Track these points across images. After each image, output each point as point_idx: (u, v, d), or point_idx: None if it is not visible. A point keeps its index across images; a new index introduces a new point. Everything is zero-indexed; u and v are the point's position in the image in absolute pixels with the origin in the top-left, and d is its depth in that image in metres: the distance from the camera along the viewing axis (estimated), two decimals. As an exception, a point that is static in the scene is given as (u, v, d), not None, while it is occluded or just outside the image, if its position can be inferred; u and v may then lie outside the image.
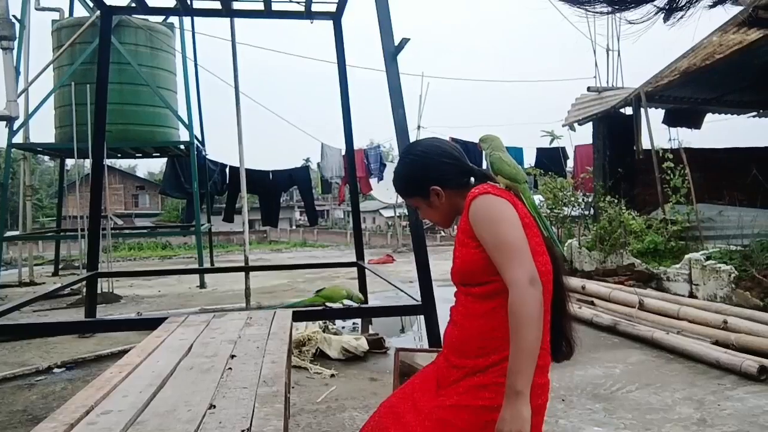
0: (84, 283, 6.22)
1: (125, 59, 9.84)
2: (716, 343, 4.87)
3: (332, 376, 4.51)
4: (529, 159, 14.50)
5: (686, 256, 6.91)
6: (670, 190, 8.52)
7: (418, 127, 17.67)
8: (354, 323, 6.47)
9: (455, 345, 1.74)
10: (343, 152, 12.59)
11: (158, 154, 12.58)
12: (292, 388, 3.92)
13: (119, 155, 12.46)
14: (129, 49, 10.18)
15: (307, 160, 38.96)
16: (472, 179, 1.87)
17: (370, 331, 5.89)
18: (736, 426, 3.33)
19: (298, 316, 3.90)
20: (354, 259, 6.73)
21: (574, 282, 7.46)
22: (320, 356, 5.01)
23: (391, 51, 4.32)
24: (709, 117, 12.33)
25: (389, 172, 15.75)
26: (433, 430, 1.64)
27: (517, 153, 14.60)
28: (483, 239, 1.64)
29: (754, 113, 12.67)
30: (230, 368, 2.03)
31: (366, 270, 6.48)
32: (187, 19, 12.07)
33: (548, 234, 1.77)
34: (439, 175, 1.85)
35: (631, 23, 2.28)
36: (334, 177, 15.52)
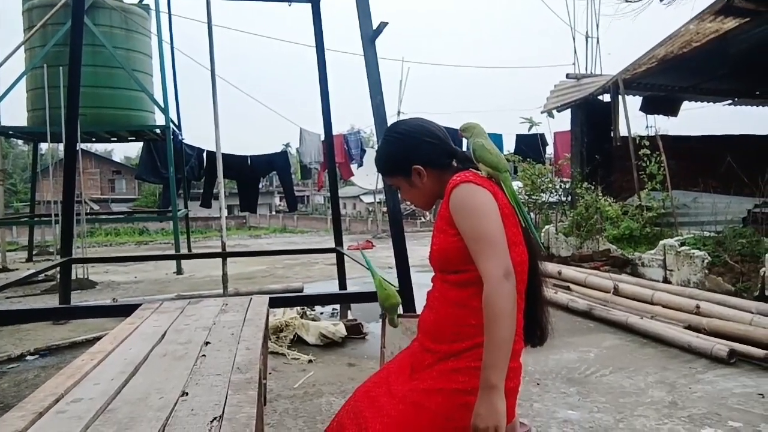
0: (58, 269, 6.13)
1: (99, 41, 9.63)
2: (689, 327, 4.96)
3: (310, 361, 4.51)
4: (509, 145, 14.55)
5: (661, 242, 7.01)
6: (646, 177, 8.63)
7: (398, 112, 17.63)
8: (333, 309, 6.46)
9: (430, 330, 1.75)
10: (323, 137, 12.54)
11: (134, 139, 12.39)
12: (269, 374, 3.91)
13: (94, 139, 12.25)
14: (103, 31, 9.96)
15: (287, 145, 38.70)
16: (455, 162, 1.86)
17: (349, 317, 5.89)
18: (706, 408, 3.40)
19: (275, 303, 3.88)
20: (333, 245, 6.71)
21: (551, 267, 7.53)
22: (298, 342, 5.00)
23: (369, 35, 4.28)
24: (686, 105, 12.48)
25: (369, 158, 15.73)
26: (407, 413, 1.65)
27: (496, 139, 14.64)
28: (462, 229, 1.64)
29: (730, 101, 12.85)
30: (204, 355, 2.02)
31: (345, 256, 6.47)
32: (163, 1, 11.85)
33: (526, 224, 1.76)
34: (422, 154, 1.83)
35: (628, 2, 2.28)
36: (314, 162, 15.44)
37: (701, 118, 13.82)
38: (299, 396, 3.72)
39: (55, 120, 9.19)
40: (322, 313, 6.26)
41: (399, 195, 1.98)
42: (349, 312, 6.17)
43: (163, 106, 10.75)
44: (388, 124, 4.46)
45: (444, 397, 1.63)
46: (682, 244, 6.71)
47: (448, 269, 1.73)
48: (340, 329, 5.20)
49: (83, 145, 10.39)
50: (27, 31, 10.36)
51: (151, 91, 11.02)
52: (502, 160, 1.80)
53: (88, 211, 11.89)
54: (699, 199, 8.84)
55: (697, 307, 5.27)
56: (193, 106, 17.64)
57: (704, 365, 4.20)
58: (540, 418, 3.28)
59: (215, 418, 1.43)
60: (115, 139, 12.21)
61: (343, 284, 6.63)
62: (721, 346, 4.28)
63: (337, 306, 6.40)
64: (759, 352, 4.17)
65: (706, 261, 6.22)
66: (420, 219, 27.89)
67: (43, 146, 12.87)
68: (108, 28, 10.22)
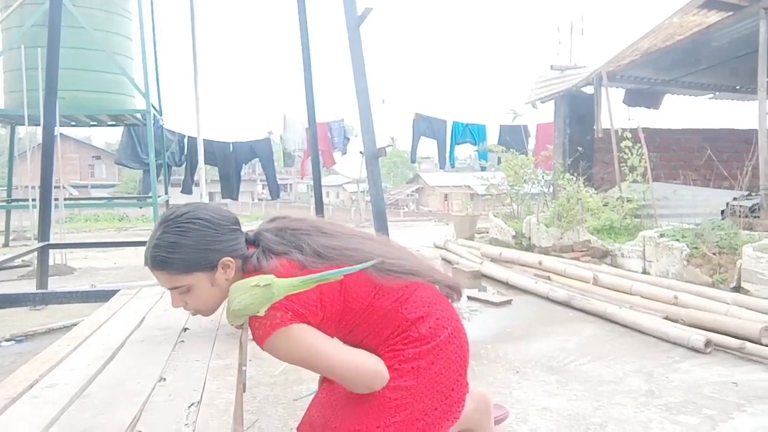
0: (35, 254, 6.04)
1: (79, 23, 9.43)
2: (667, 317, 5.02)
3: (291, 349, 4.50)
4: (492, 136, 14.60)
5: (640, 234, 7.08)
6: (628, 169, 8.71)
7: (383, 101, 17.56)
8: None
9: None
10: (306, 125, 12.46)
11: (113, 123, 12.22)
12: (250, 361, 3.89)
13: (73, 123, 12.05)
14: (83, 12, 9.75)
15: (270, 132, 38.40)
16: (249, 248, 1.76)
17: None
18: (683, 396, 3.45)
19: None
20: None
21: (531, 257, 7.59)
22: (279, 329, 4.98)
23: (354, 20, 4.25)
24: (668, 97, 12.60)
25: (353, 147, 15.68)
26: (363, 398, 1.72)
27: (480, 130, 14.69)
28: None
29: (711, 95, 12.99)
30: (182, 341, 2.00)
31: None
32: (144, -17, 11.63)
33: (329, 279, 1.66)
34: (231, 243, 1.70)
35: None
36: (297, 150, 15.35)
37: (683, 111, 13.97)
38: (280, 383, 3.71)
39: (33, 103, 9.02)
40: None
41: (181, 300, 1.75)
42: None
43: (143, 90, 10.60)
44: (372, 113, 4.45)
45: (391, 371, 1.71)
46: (662, 235, 6.78)
47: None
48: (322, 317, 5.18)
49: (62, 130, 10.23)
50: (3, 10, 10.12)
51: (132, 75, 10.85)
52: (259, 291, 1.58)
53: (66, 197, 11.72)
54: (679, 192, 8.95)
55: (675, 297, 5.34)
56: (174, 91, 17.46)
57: (681, 355, 4.26)
58: (519, 406, 3.31)
59: (193, 404, 1.41)
60: (95, 123, 12.03)
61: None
62: (697, 336, 4.34)
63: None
64: (734, 342, 4.24)
65: (684, 252, 6.30)
66: (403, 209, 27.93)
67: (21, 130, 12.62)
68: (88, 9, 10.01)
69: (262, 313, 1.58)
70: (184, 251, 1.63)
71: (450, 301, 1.88)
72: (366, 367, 1.65)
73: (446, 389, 1.73)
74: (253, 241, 1.78)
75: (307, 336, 1.59)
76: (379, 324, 1.72)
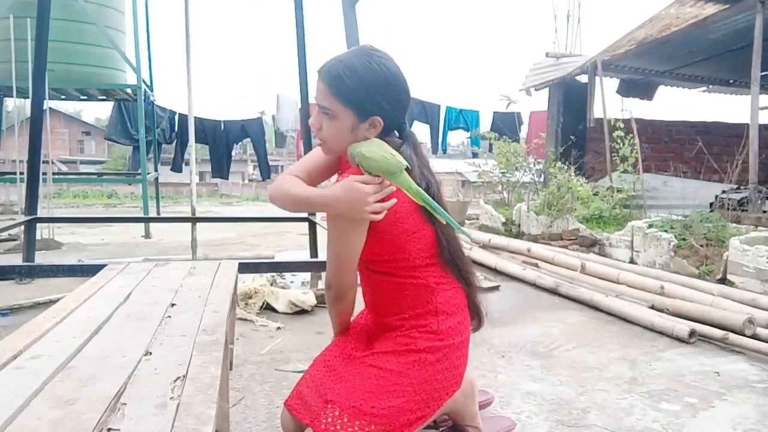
0: (22, 228, 5.99)
1: (70, -6, 9.29)
2: (652, 307, 5.06)
3: (278, 329, 4.49)
4: (486, 122, 14.61)
5: (629, 224, 7.12)
6: (619, 159, 8.73)
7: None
8: (303, 281, 6.45)
9: (374, 308, 1.95)
10: (300, 105, 12.37)
11: (104, 98, 12.07)
12: (237, 339, 3.89)
13: (63, 97, 11.90)
14: (74, -16, 9.61)
15: (262, 113, 38.10)
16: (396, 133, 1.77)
17: (319, 286, 5.88)
18: (665, 384, 3.49)
19: (244, 268, 3.85)
20: (305, 215, 6.66)
21: (520, 244, 7.62)
22: (267, 309, 4.98)
23: None
24: (661, 89, 12.62)
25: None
26: (363, 375, 1.74)
27: (473, 116, 14.67)
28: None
29: (704, 88, 13.03)
30: (169, 316, 1.99)
31: (317, 225, 6.44)
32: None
33: (437, 213, 1.68)
34: (391, 108, 1.65)
35: None
36: (290, 130, 15.26)
37: (676, 102, 14.02)
38: (266, 362, 3.71)
39: (22, 74, 8.89)
40: (292, 282, 6.24)
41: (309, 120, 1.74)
42: (319, 281, 6.16)
43: (135, 65, 10.47)
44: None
45: (396, 356, 1.73)
46: (650, 226, 6.82)
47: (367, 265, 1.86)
48: (310, 298, 5.18)
49: (52, 104, 10.13)
50: (-8, -21, 9.94)
51: (124, 49, 10.71)
52: (392, 159, 1.57)
53: (55, 171, 11.60)
54: (669, 183, 8.99)
55: (662, 287, 5.38)
56: (166, 67, 17.27)
57: (665, 344, 4.30)
58: (503, 389, 3.33)
59: (178, 378, 1.41)
60: (85, 97, 11.88)
61: (314, 253, 6.61)
62: (682, 326, 4.38)
63: (308, 276, 6.38)
64: (717, 332, 4.29)
65: (672, 243, 6.34)
66: (394, 193, 27.92)
67: (9, 103, 12.44)
68: (79, -20, 9.86)
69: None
70: (357, 83, 1.58)
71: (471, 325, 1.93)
72: (347, 276, 1.79)
73: (440, 392, 1.76)
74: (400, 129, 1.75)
75: (354, 231, 1.67)
76: (410, 291, 1.75)
